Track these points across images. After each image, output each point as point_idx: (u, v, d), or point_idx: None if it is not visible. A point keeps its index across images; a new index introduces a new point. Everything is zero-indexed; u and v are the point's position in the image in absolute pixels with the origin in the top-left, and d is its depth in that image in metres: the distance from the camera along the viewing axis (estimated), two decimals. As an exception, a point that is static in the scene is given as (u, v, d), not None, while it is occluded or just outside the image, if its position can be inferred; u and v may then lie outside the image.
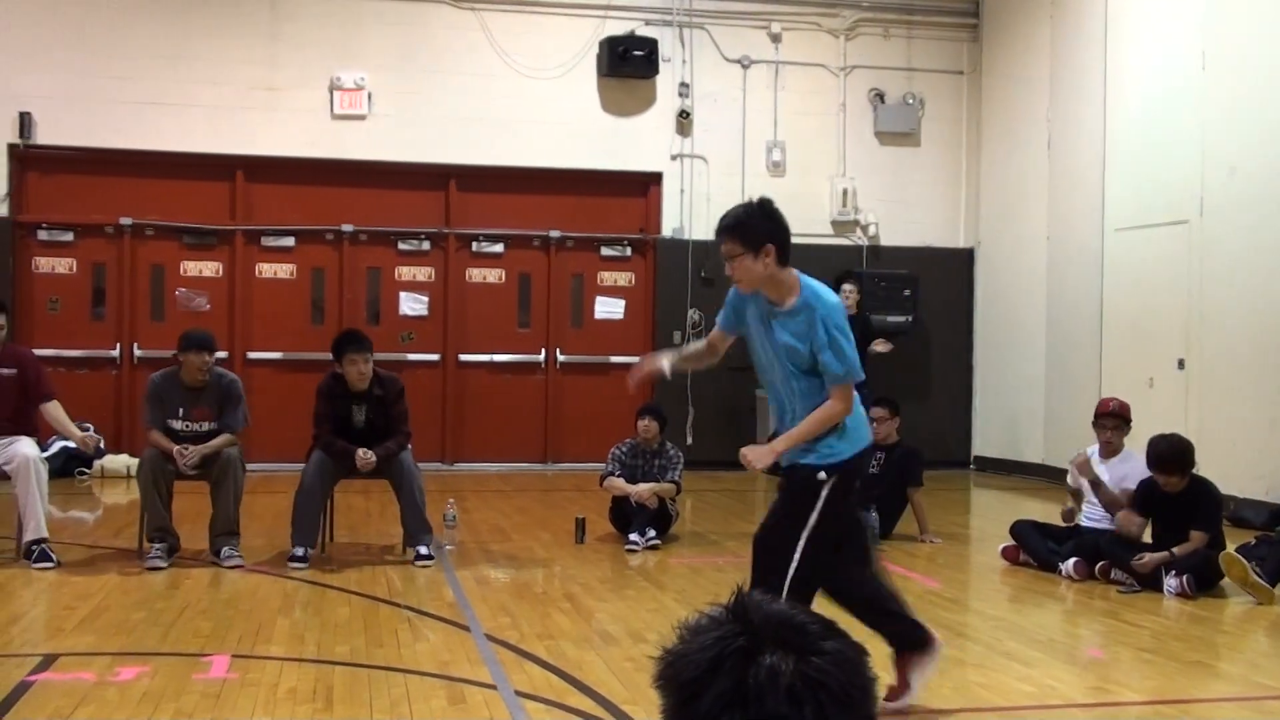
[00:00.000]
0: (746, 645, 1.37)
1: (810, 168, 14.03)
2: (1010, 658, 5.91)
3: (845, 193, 14.03)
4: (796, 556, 4.74)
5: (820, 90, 14.12)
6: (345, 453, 7.91)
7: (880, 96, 14.22)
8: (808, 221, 13.92)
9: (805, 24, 14.12)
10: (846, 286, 12.64)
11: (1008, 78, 13.91)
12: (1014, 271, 13.78)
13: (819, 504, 4.79)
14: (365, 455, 7.84)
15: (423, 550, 7.96)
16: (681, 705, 1.37)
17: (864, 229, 14.14)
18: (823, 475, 4.81)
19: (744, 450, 4.95)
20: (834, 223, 14.08)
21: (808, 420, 4.85)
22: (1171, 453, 7.47)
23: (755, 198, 5.09)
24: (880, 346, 12.50)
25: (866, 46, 14.24)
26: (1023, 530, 8.30)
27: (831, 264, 13.70)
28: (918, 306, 13.92)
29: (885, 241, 14.17)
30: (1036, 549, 8.09)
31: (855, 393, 4.94)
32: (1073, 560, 7.73)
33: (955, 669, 5.59)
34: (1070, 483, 8.23)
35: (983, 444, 14.33)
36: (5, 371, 7.99)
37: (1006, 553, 8.32)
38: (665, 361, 5.34)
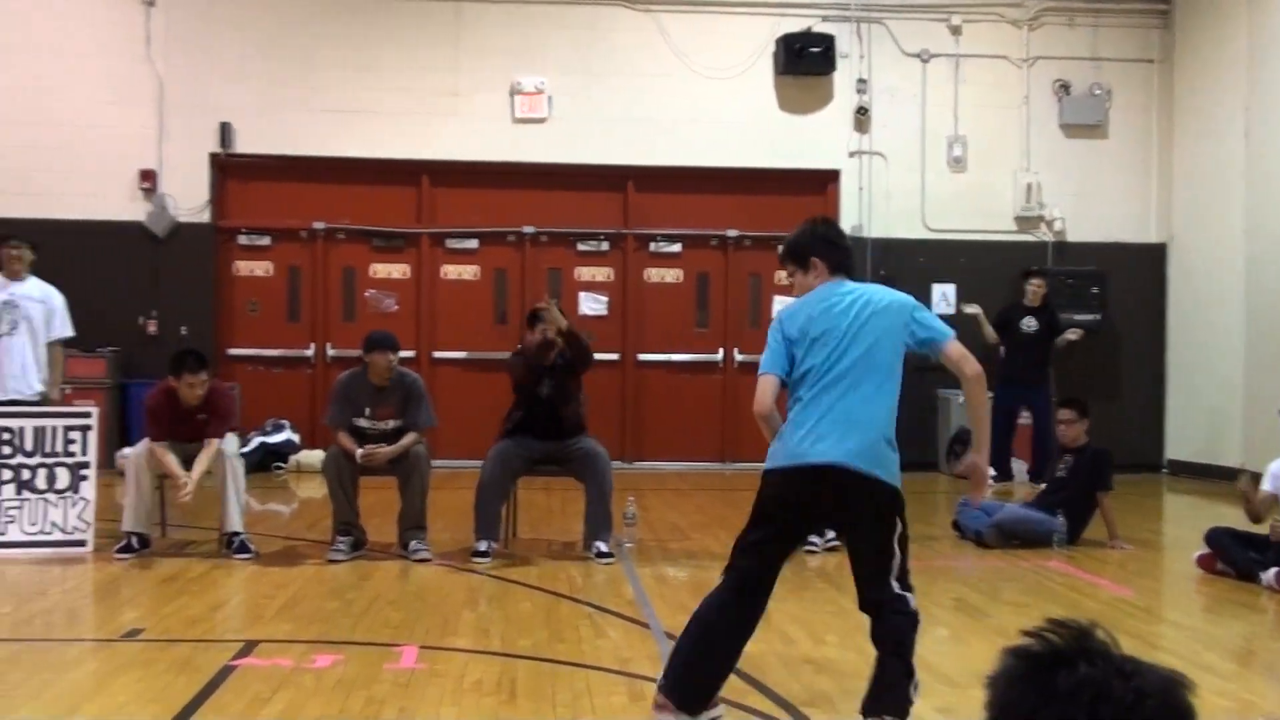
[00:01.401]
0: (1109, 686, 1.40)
1: (992, 162, 13.74)
2: (1208, 670, 5.68)
3: (1029, 187, 13.69)
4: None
5: (1002, 83, 13.81)
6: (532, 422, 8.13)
7: (1065, 87, 13.83)
8: (990, 217, 13.67)
9: (987, 15, 13.82)
10: (1033, 281, 12.35)
11: (1201, 65, 13.38)
12: (1209, 267, 13.24)
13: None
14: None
15: (602, 547, 8.08)
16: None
17: (1049, 224, 13.78)
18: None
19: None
20: (1018, 218, 13.75)
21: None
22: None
23: (811, 219, 5.08)
24: (1072, 335, 12.18)
25: (1051, 36, 13.86)
26: (1220, 537, 7.93)
27: (1015, 260, 13.43)
28: (1106, 304, 13.51)
29: (1072, 237, 13.77)
30: (1236, 557, 7.73)
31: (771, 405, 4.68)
32: (1275, 570, 7.38)
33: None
34: (1270, 488, 7.83)
35: (1176, 447, 13.81)
36: (200, 416, 8.21)
37: (1202, 561, 7.98)
38: None
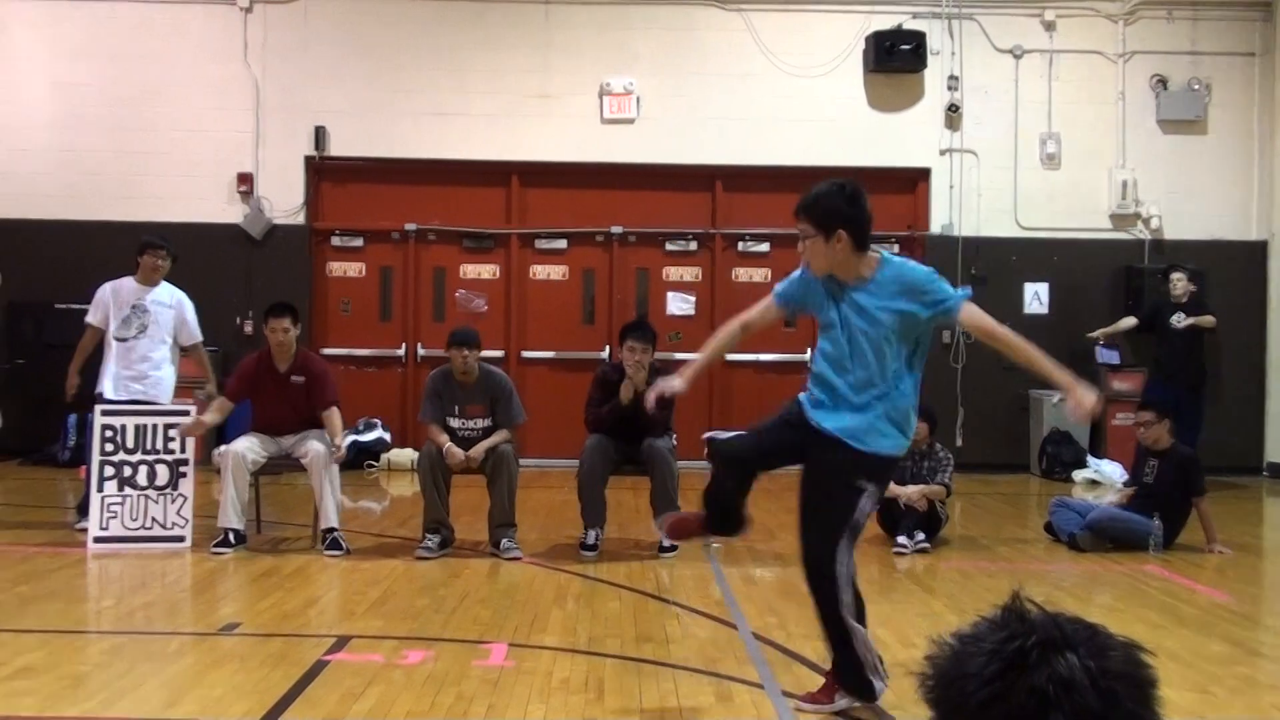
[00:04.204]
0: (1041, 644, 1.35)
1: (1087, 159, 13.51)
2: (1309, 677, 5.55)
3: (1125, 184, 13.44)
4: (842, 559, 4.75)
5: (1097, 78, 13.58)
6: (606, 422, 8.20)
7: (1163, 83, 13.55)
8: (1085, 215, 13.44)
9: (1081, 10, 13.59)
10: (1176, 275, 12.08)
11: (1306, 58, 13.03)
12: (1314, 264, 12.89)
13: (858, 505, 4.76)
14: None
15: (665, 542, 8.19)
16: (970, 716, 1.36)
17: (1145, 222, 13.51)
18: (863, 483, 4.74)
19: (1086, 406, 4.68)
20: (1113, 216, 13.50)
21: (1027, 351, 4.78)
22: None
23: (843, 181, 4.86)
24: (1206, 322, 11.81)
25: (1147, 31, 13.59)
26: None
27: (1110, 259, 13.22)
28: (1204, 302, 13.21)
29: (1169, 235, 13.49)
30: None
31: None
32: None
33: (1249, 689, 5.30)
34: None
35: (1277, 449, 13.46)
36: (295, 379, 8.51)
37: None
38: (678, 381, 5.17)
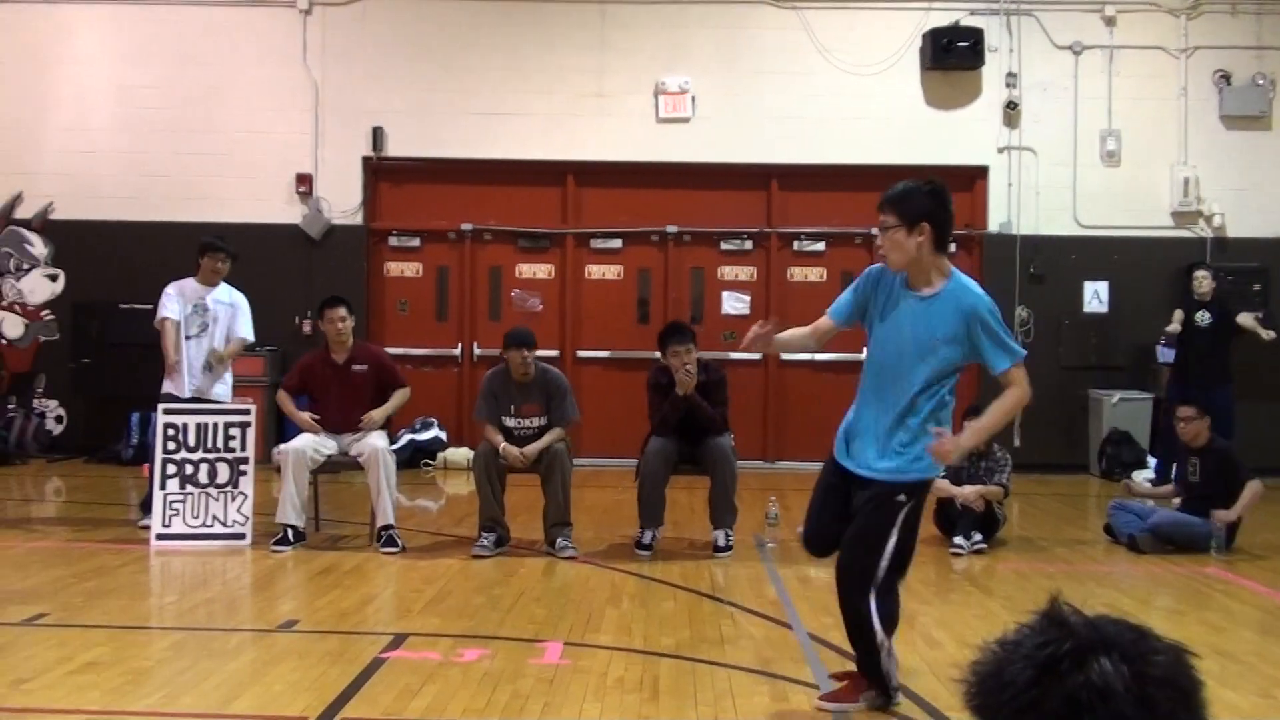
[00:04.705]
0: (1077, 650, 1.33)
1: (1148, 156, 13.34)
2: (1375, 683, 5.45)
3: (1187, 182, 13.25)
4: (878, 578, 4.75)
5: (1159, 74, 13.40)
6: (671, 421, 8.22)
7: (1226, 78, 13.35)
8: (1145, 213, 13.27)
9: (1143, 5, 13.42)
10: (1200, 273, 11.91)
11: (1375, 52, 12.78)
12: (1382, 263, 12.65)
13: (897, 524, 4.74)
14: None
15: (720, 540, 8.24)
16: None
17: (1208, 220, 13.32)
18: (902, 498, 4.74)
19: (938, 445, 4.64)
20: (1174, 214, 13.32)
21: (994, 410, 4.81)
22: None
23: (930, 178, 4.90)
24: (1266, 335, 11.51)
25: (1211, 25, 13.39)
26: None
27: (1172, 257, 13.04)
28: (1269, 301, 13.01)
29: (1232, 233, 13.29)
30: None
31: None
32: None
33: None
34: None
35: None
36: (358, 368, 8.65)
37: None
38: (770, 331, 5.13)
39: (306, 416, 8.54)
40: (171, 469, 8.45)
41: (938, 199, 4.78)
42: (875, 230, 4.90)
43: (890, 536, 4.74)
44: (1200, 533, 8.44)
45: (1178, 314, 11.68)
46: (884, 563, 4.75)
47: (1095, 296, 13.26)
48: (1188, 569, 7.98)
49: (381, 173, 13.63)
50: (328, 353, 8.75)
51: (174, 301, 8.96)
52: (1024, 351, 4.82)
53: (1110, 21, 13.40)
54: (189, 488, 8.43)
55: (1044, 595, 1.44)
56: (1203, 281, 11.74)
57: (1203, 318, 11.70)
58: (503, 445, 8.15)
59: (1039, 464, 12.52)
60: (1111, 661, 1.32)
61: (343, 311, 8.68)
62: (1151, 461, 12.19)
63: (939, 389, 4.77)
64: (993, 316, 4.74)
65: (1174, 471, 9.25)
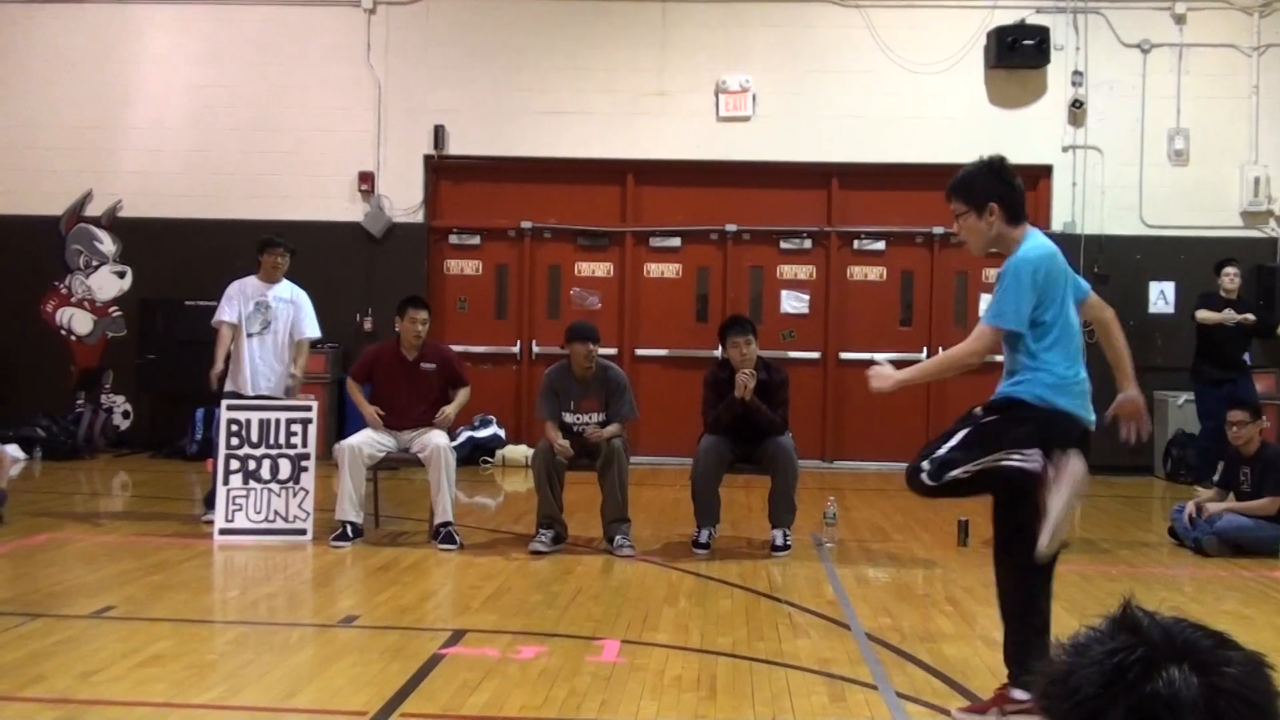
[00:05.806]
0: (1146, 658, 1.29)
1: (1217, 156, 13.12)
2: None
3: (1257, 181, 13.03)
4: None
5: (1229, 72, 13.18)
6: (725, 421, 8.21)
7: (1299, 76, 13.12)
8: (1214, 213, 13.07)
9: (1214, 3, 13.20)
10: (1229, 270, 11.70)
11: None
12: None
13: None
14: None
15: (778, 539, 8.22)
16: None
17: (1278, 219, 13.09)
18: (978, 410, 4.85)
19: (872, 369, 4.82)
20: (1244, 214, 13.10)
21: (938, 356, 4.97)
22: None
23: (989, 157, 4.96)
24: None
25: (1284, 22, 13.17)
26: None
27: (1241, 257, 12.80)
28: (1245, 299, 12.73)
29: (1303, 232, 13.06)
30: None
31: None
32: None
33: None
34: None
35: None
36: (426, 366, 8.73)
37: None
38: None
39: (373, 411, 8.62)
40: (234, 464, 8.55)
41: (999, 176, 4.85)
42: (939, 230, 4.97)
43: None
44: (1267, 536, 8.30)
45: (1228, 312, 11.45)
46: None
47: (1161, 297, 13.08)
48: (1255, 572, 7.85)
49: (442, 171, 13.72)
50: (398, 348, 8.82)
51: (232, 304, 9.07)
52: (1009, 321, 4.83)
53: (1180, 19, 13.20)
54: (251, 483, 8.53)
55: (1107, 598, 1.41)
56: (1233, 279, 11.55)
57: (1228, 315, 11.50)
58: (560, 445, 8.16)
59: (1103, 465, 12.29)
60: (1182, 672, 1.28)
61: (425, 314, 8.81)
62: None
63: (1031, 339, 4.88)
64: (1011, 273, 4.76)
65: (1219, 473, 9.10)
